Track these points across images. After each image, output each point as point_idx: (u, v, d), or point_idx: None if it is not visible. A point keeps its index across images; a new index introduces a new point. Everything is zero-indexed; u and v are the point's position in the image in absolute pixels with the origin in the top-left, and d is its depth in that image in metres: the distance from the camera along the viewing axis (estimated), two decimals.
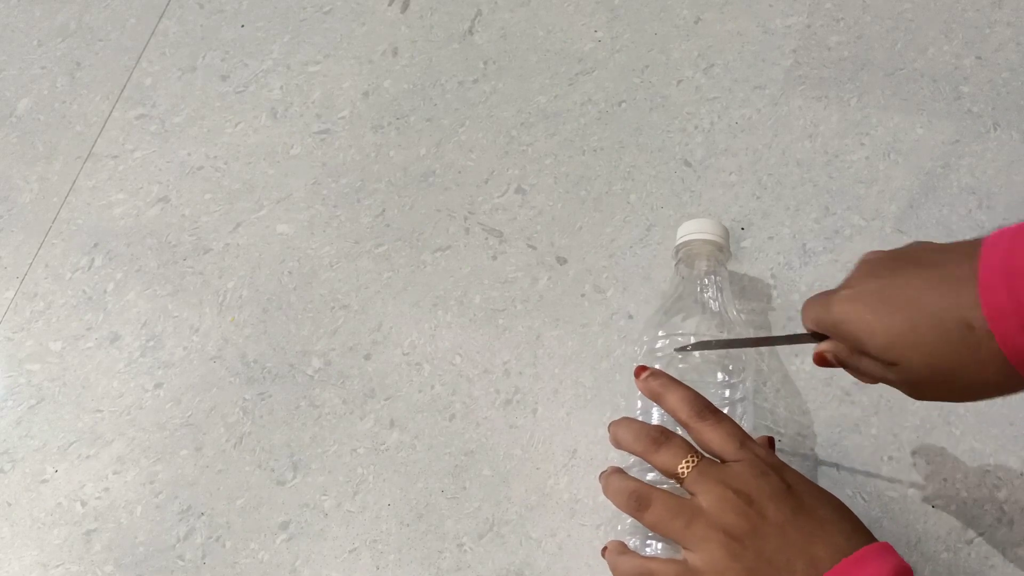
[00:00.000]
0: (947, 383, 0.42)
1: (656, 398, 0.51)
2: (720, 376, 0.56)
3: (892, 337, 0.42)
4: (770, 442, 0.56)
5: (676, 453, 0.47)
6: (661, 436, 0.48)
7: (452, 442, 0.62)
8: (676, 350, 0.55)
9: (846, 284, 0.46)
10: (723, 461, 0.47)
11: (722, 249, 0.59)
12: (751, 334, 0.62)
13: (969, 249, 0.41)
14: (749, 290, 0.64)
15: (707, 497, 0.45)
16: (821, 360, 0.48)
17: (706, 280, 0.58)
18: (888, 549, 0.44)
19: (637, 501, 0.47)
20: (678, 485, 0.47)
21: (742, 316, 0.62)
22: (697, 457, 0.47)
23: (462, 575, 0.59)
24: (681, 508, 0.46)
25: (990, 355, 0.39)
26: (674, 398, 0.50)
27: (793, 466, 0.58)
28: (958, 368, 0.41)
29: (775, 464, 0.47)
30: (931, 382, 0.43)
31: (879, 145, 0.67)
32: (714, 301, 0.58)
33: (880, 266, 0.45)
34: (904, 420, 0.59)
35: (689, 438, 0.49)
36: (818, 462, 0.59)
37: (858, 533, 0.45)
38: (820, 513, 0.45)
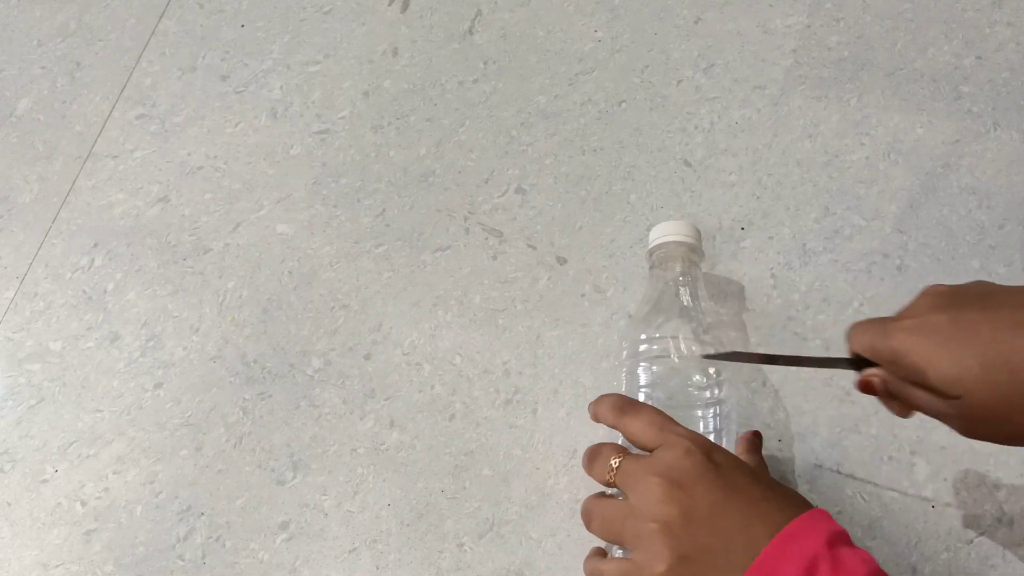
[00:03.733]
0: (1005, 423, 0.43)
1: (596, 418, 0.51)
2: (698, 378, 0.56)
3: (960, 372, 0.42)
4: (756, 436, 0.55)
5: (603, 461, 0.48)
6: (592, 451, 0.49)
7: (452, 442, 0.62)
8: (704, 357, 0.54)
9: (908, 314, 0.46)
10: (649, 451, 0.47)
11: (695, 250, 0.59)
12: (733, 336, 0.62)
13: None
14: (749, 290, 0.64)
15: (634, 492, 0.45)
16: (867, 387, 0.48)
17: (681, 282, 0.58)
18: (822, 516, 0.43)
19: (585, 516, 0.48)
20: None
21: (722, 316, 0.62)
22: (621, 456, 0.47)
23: (462, 575, 0.59)
24: (615, 512, 0.46)
25: None
26: (601, 408, 0.50)
27: (794, 466, 0.59)
28: (1021, 410, 0.42)
29: (701, 443, 0.46)
30: (989, 420, 0.43)
31: (879, 145, 0.68)
32: (690, 302, 0.58)
33: (945, 299, 0.45)
34: (904, 420, 0.59)
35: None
36: (818, 462, 0.59)
37: (791, 505, 0.44)
38: (752, 491, 0.44)
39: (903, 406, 0.48)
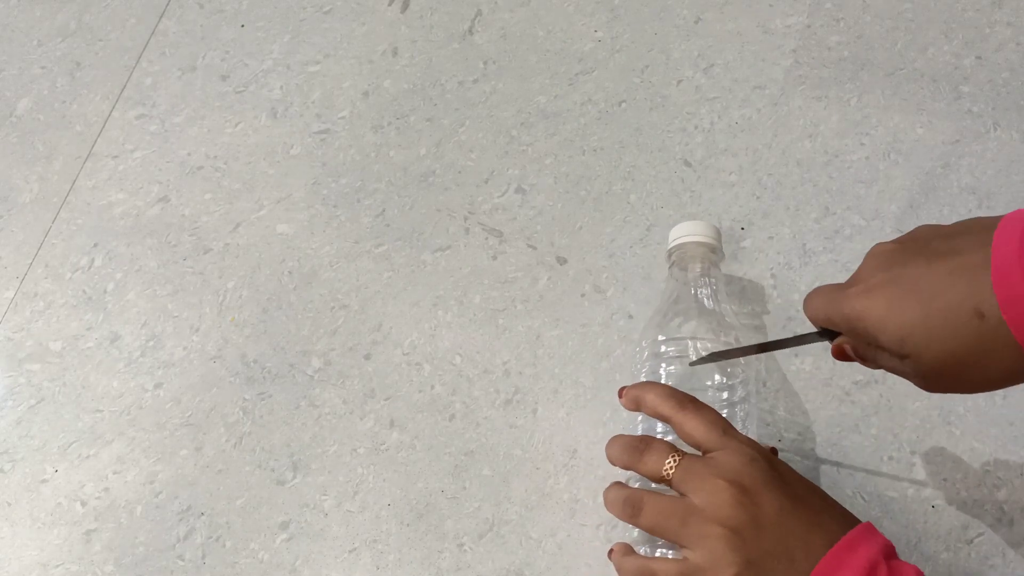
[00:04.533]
0: (959, 374, 0.41)
1: (638, 404, 0.51)
2: (717, 378, 0.56)
3: (904, 331, 0.41)
4: (772, 452, 0.56)
5: (658, 456, 0.47)
6: (641, 443, 0.48)
7: (452, 442, 0.62)
8: (691, 364, 0.54)
9: (855, 279, 0.45)
10: (707, 452, 0.47)
11: (715, 251, 0.59)
12: (752, 336, 0.62)
13: (982, 236, 0.40)
14: (749, 290, 0.64)
15: (699, 493, 0.45)
16: (840, 353, 0.47)
17: (701, 282, 0.58)
18: (872, 529, 0.44)
19: (631, 507, 0.47)
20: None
21: (739, 318, 0.62)
22: (680, 455, 0.47)
23: (462, 575, 0.59)
24: (674, 508, 0.45)
25: (1003, 344, 0.39)
26: (652, 396, 0.50)
27: (793, 464, 0.59)
28: (970, 359, 0.40)
29: (763, 452, 0.47)
30: (943, 374, 0.42)
31: (879, 145, 0.68)
32: (710, 303, 0.58)
33: (888, 258, 0.44)
34: (904, 420, 0.59)
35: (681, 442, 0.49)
36: (818, 462, 0.59)
37: (845, 517, 0.45)
38: (810, 500, 0.45)
39: (875, 366, 0.47)
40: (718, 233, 0.59)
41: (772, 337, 0.62)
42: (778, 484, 0.45)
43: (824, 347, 0.61)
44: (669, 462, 0.47)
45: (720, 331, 0.56)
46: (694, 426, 0.48)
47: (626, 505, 0.47)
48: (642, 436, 0.49)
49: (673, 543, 0.46)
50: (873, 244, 0.61)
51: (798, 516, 0.44)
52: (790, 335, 0.57)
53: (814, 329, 0.50)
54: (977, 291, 0.39)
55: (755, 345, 0.53)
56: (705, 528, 0.44)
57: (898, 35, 0.71)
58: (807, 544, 0.43)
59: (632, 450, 0.49)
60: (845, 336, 0.46)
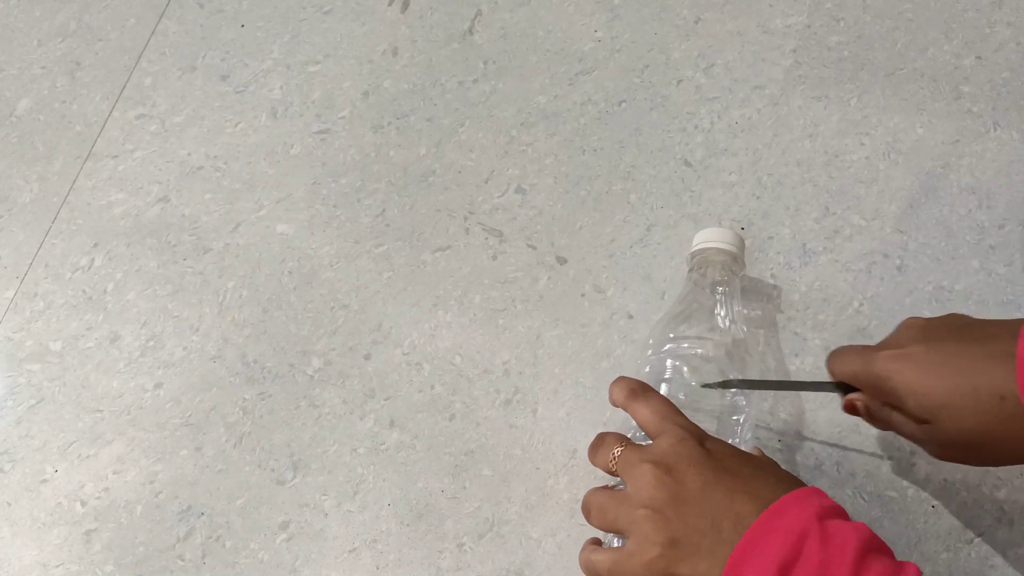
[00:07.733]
0: (973, 447, 0.46)
1: (611, 398, 0.53)
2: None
3: (931, 398, 0.45)
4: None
5: (606, 450, 0.49)
6: (597, 439, 0.50)
7: (452, 442, 0.62)
8: (702, 386, 0.55)
9: (889, 344, 0.49)
10: (652, 439, 0.48)
11: (736, 259, 0.59)
12: (758, 342, 0.62)
13: (1014, 327, 0.45)
14: (749, 291, 0.64)
15: (629, 480, 0.46)
16: (851, 408, 0.51)
17: (718, 289, 0.59)
18: (814, 492, 0.44)
19: (584, 510, 0.49)
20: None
21: (750, 324, 0.62)
22: (623, 444, 0.48)
23: (462, 575, 0.59)
24: (610, 501, 0.47)
25: (1020, 427, 0.43)
26: (615, 388, 0.52)
27: (793, 466, 0.59)
28: (986, 435, 0.44)
29: (695, 432, 0.47)
30: (958, 444, 0.46)
31: (879, 145, 0.68)
32: (723, 310, 0.58)
33: (925, 330, 0.48)
34: None
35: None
36: (818, 462, 0.59)
37: (783, 483, 0.45)
38: (743, 471, 0.45)
39: (885, 425, 0.51)
40: (741, 242, 0.60)
41: (772, 337, 0.62)
42: (704, 459, 0.45)
43: (825, 347, 0.61)
44: (614, 453, 0.48)
45: (727, 337, 0.56)
46: (641, 415, 0.49)
47: (583, 509, 0.49)
48: (601, 432, 0.51)
49: (619, 534, 0.47)
50: (873, 244, 0.62)
51: (724, 487, 0.44)
52: (811, 380, 0.59)
53: (828, 378, 0.53)
54: (1002, 376, 0.43)
55: (771, 381, 0.56)
56: (633, 513, 0.45)
57: (898, 35, 0.71)
58: (735, 514, 0.42)
59: (592, 446, 0.51)
60: (862, 394, 0.50)
